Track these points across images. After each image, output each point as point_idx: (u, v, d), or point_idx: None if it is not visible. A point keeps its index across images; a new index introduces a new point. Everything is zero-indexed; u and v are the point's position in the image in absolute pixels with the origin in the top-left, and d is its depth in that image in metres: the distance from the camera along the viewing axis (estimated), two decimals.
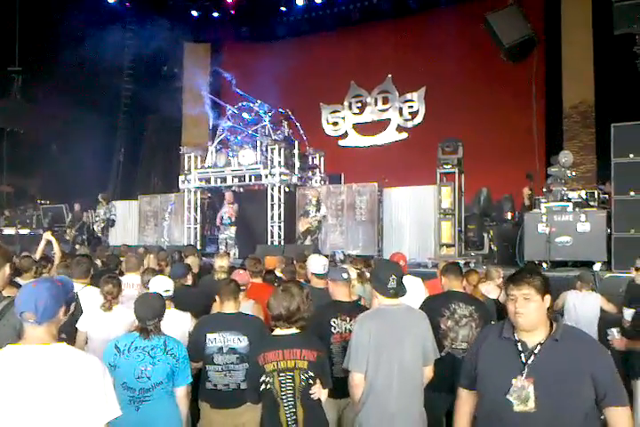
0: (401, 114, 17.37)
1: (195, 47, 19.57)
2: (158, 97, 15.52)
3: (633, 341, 3.96)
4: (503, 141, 14.38)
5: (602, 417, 2.35)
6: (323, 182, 13.17)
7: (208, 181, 12.89)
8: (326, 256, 6.10)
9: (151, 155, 18.87)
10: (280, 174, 11.97)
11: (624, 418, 2.31)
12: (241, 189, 12.89)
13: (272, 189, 12.04)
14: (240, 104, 13.08)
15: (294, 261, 6.89)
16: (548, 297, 2.39)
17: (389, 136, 17.50)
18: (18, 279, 4.53)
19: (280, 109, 13.06)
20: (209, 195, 13.51)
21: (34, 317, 2.04)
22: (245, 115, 12.98)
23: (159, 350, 3.11)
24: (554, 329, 2.37)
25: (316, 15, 17.89)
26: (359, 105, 18.09)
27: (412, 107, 17.20)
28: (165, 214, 13.49)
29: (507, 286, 2.43)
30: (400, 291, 3.15)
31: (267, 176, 12.01)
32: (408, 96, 17.22)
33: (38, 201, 14.73)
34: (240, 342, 3.52)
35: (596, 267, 8.02)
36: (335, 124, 18.50)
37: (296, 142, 12.75)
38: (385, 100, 17.64)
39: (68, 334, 3.57)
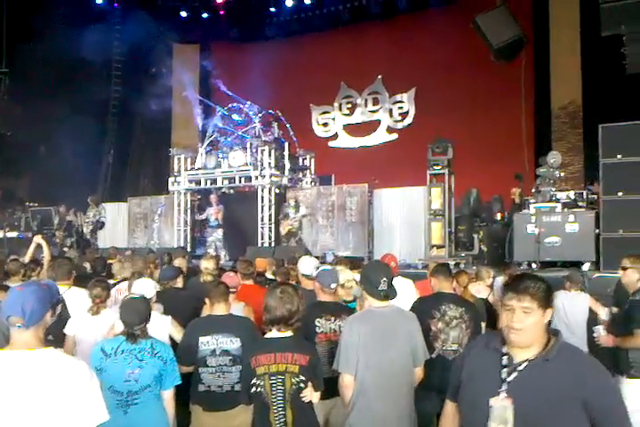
0: (391, 115, 17.40)
1: (183, 48, 19.50)
2: (147, 98, 15.45)
3: (622, 338, 3.98)
4: (492, 142, 14.45)
5: None
6: (313, 184, 13.17)
7: (198, 182, 12.85)
8: (317, 258, 6.10)
9: (140, 156, 18.78)
10: (270, 176, 11.96)
11: None
12: (231, 191, 12.86)
13: (262, 191, 12.02)
14: (230, 105, 13.06)
15: (285, 263, 6.89)
16: (549, 311, 2.08)
17: (379, 137, 17.53)
18: (6, 283, 4.50)
19: (270, 111, 13.05)
20: (199, 197, 13.46)
21: (21, 321, 2.02)
22: (235, 116, 12.96)
23: (146, 352, 3.11)
24: (549, 346, 2.06)
25: (305, 16, 17.89)
26: (349, 106, 18.11)
27: (402, 108, 17.24)
28: (155, 216, 13.43)
29: (505, 293, 2.10)
30: (390, 293, 3.16)
31: (257, 178, 11.99)
32: (398, 97, 17.26)
33: (27, 203, 14.61)
34: (233, 343, 3.53)
35: (585, 267, 8.07)
36: (325, 125, 18.50)
37: (286, 144, 12.74)
38: (375, 101, 17.67)
39: (56, 336, 3.55)
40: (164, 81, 17.65)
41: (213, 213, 12.11)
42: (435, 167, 9.93)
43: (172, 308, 4.17)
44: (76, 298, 4.18)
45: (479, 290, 5.78)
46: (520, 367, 2.05)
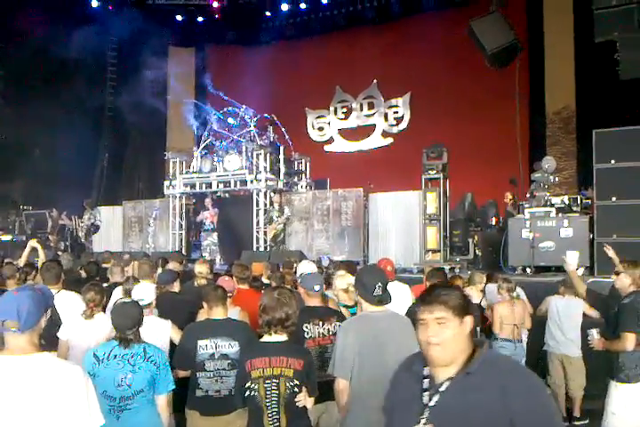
0: (386, 119, 17.45)
1: (179, 51, 19.50)
2: (142, 101, 15.44)
3: (610, 342, 4.01)
4: (487, 147, 14.51)
5: None
6: (308, 188, 13.17)
7: (193, 186, 12.84)
8: (312, 262, 6.09)
9: (135, 160, 18.74)
10: (266, 180, 11.96)
11: None
12: (226, 195, 12.85)
13: (257, 195, 12.01)
14: (225, 109, 13.06)
15: (280, 268, 6.88)
16: (468, 319, 1.87)
17: (375, 141, 17.57)
18: (2, 287, 4.48)
19: (265, 115, 13.05)
20: (194, 200, 13.45)
21: (16, 325, 2.02)
22: (231, 120, 12.96)
23: (139, 357, 3.10)
24: (474, 358, 1.84)
25: (301, 20, 17.95)
26: (345, 110, 18.14)
27: (397, 112, 17.29)
28: (150, 220, 13.40)
29: (417, 308, 1.92)
30: (385, 298, 3.16)
31: (252, 182, 11.99)
32: (393, 102, 17.31)
33: (21, 207, 14.55)
34: (232, 347, 3.52)
35: (579, 272, 8.08)
36: (321, 129, 18.53)
37: (281, 148, 12.74)
38: (370, 106, 17.72)
39: (48, 340, 3.53)
40: (159, 84, 17.68)
41: (208, 216, 12.13)
42: (430, 172, 9.96)
43: (169, 312, 4.16)
44: (65, 302, 4.17)
45: (471, 295, 5.79)
46: (442, 388, 1.83)
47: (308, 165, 13.60)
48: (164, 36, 17.91)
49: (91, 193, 16.46)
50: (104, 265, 7.02)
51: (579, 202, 9.05)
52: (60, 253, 11.55)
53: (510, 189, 10.76)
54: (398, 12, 16.77)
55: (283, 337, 3.01)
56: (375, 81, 17.34)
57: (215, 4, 17.88)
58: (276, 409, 2.89)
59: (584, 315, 5.67)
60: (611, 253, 5.24)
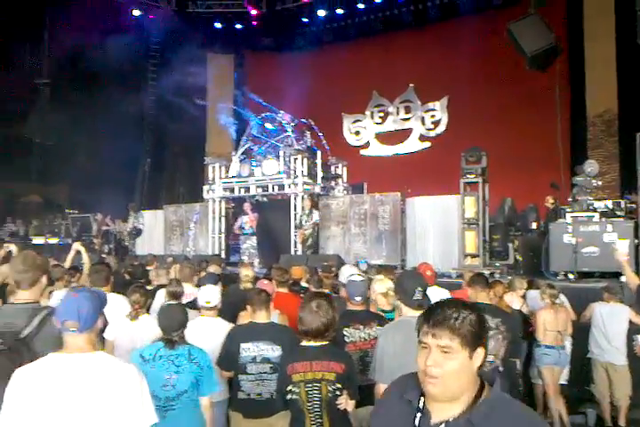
0: (423, 123, 17.36)
1: (218, 58, 19.82)
2: (182, 107, 15.75)
3: None
4: (527, 151, 14.27)
5: None
6: (345, 192, 13.20)
7: (232, 190, 13.02)
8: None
9: (175, 165, 19.12)
10: (303, 184, 12.04)
11: None
12: (264, 199, 12.98)
13: (295, 199, 12.10)
14: (263, 114, 13.21)
15: (319, 271, 6.92)
16: (480, 352, 1.56)
17: (412, 145, 17.49)
18: (51, 288, 4.63)
19: (303, 119, 13.15)
20: (233, 204, 13.64)
21: (77, 325, 2.11)
22: (269, 125, 13.11)
23: (183, 358, 3.17)
24: (480, 401, 1.55)
25: (337, 25, 18.04)
26: (381, 114, 18.13)
27: (434, 116, 17.18)
28: (191, 224, 13.64)
29: (420, 326, 1.62)
30: (425, 303, 3.14)
31: (290, 186, 12.09)
32: (430, 105, 17.21)
33: (66, 211, 15.01)
34: (274, 351, 3.54)
35: (624, 278, 7.89)
36: (357, 133, 18.55)
37: (318, 152, 12.82)
38: (407, 110, 17.66)
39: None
40: (198, 90, 17.99)
41: (248, 221, 12.25)
42: (468, 176, 9.84)
43: None
44: (113, 304, 4.27)
45: (512, 301, 5.72)
46: None
47: (344, 169, 13.64)
48: (203, 43, 18.24)
49: (133, 197, 16.86)
50: (147, 268, 7.19)
51: (622, 206, 8.82)
52: (104, 255, 11.87)
53: (551, 194, 10.57)
54: (435, 16, 16.69)
55: (323, 342, 3.04)
56: (412, 85, 17.28)
57: (253, 12, 18.12)
58: (318, 413, 2.91)
59: (630, 322, 5.54)
60: None
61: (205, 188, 13.31)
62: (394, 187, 12.10)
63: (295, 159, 12.17)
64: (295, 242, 11.91)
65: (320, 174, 12.65)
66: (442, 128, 17.01)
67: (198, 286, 5.03)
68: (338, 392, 2.93)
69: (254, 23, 18.53)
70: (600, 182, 9.24)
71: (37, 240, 14.25)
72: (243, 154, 13.09)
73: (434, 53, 16.25)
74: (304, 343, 3.08)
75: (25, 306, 2.73)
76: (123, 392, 2.07)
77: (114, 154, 14.34)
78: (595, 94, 14.11)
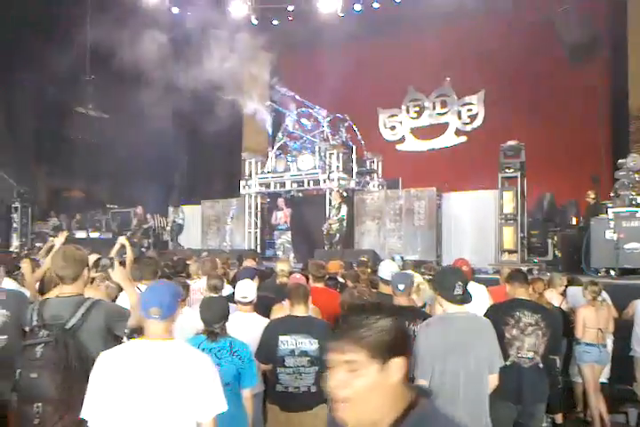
0: (460, 117, 17.16)
1: (254, 54, 19.91)
2: (218, 104, 15.91)
3: None
4: (567, 145, 13.97)
5: None
6: (380, 187, 13.18)
7: (268, 186, 13.13)
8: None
9: (212, 160, 19.34)
10: (338, 179, 12.07)
11: None
12: (299, 194, 13.05)
13: (330, 194, 12.13)
14: (299, 110, 13.26)
15: (355, 266, 6.95)
16: (398, 363, 1.32)
17: (448, 140, 17.31)
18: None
19: (338, 114, 13.16)
20: (268, 200, 13.76)
21: (160, 312, 2.24)
22: (304, 120, 13.16)
23: (225, 351, 3.23)
24: (406, 419, 1.31)
25: (373, 20, 17.92)
26: (417, 109, 17.98)
27: (471, 110, 16.96)
28: (227, 219, 13.81)
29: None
30: (466, 298, 3.15)
31: (325, 181, 12.13)
32: (467, 99, 16.99)
33: (107, 206, 15.38)
34: (311, 345, 3.58)
35: None
36: (393, 128, 18.45)
37: (354, 147, 12.82)
38: (443, 104, 17.47)
39: (139, 332, 3.75)
40: (234, 86, 18.12)
41: (282, 216, 12.35)
42: (507, 170, 9.72)
43: None
44: None
45: (551, 297, 5.65)
46: None
47: (380, 164, 13.61)
48: (239, 40, 18.33)
49: (172, 193, 17.15)
50: (187, 262, 7.33)
51: None
52: (143, 249, 12.14)
53: (592, 188, 10.35)
54: (471, 8, 16.40)
55: None
56: (448, 79, 17.08)
57: (290, 8, 18.15)
58: None
59: None
60: None
61: (242, 183, 13.46)
62: (429, 182, 12.03)
63: (330, 154, 12.21)
64: (337, 236, 11.92)
65: (355, 169, 12.66)
66: (478, 122, 16.79)
67: (233, 280, 5.11)
68: None
69: (289, 18, 18.55)
70: None
71: (80, 234, 14.64)
72: (278, 149, 13.19)
73: (471, 47, 16.01)
74: None
75: (69, 299, 2.84)
76: (198, 380, 2.18)
77: (153, 149, 14.60)
78: (637, 86, 13.70)
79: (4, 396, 2.98)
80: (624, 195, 8.51)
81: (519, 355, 3.80)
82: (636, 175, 8.68)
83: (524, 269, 8.32)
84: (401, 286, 3.76)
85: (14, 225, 14.69)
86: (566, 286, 6.10)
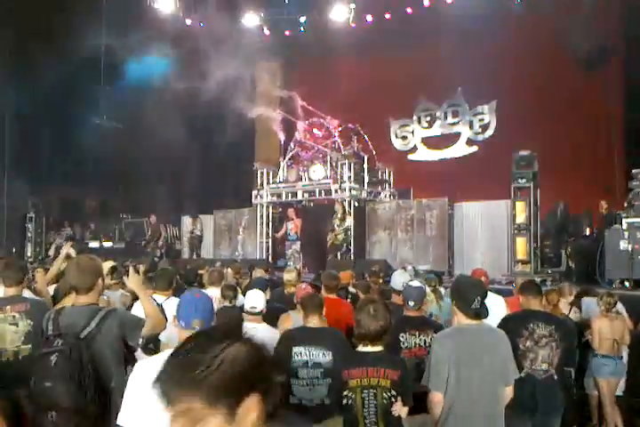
0: (471, 127, 17.13)
1: (266, 65, 20.07)
2: (230, 114, 16.01)
3: None
4: (579, 154, 13.88)
5: None
6: (392, 197, 13.17)
7: (279, 196, 13.17)
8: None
9: (224, 170, 19.42)
10: (350, 189, 12.08)
11: None
12: (311, 204, 13.08)
13: (342, 204, 12.13)
14: (310, 120, 13.32)
15: (367, 277, 6.94)
16: (252, 402, 1.05)
17: (459, 150, 17.27)
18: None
19: (349, 125, 13.19)
20: (280, 209, 13.79)
21: (201, 324, 2.32)
22: (316, 130, 13.21)
23: None
24: None
25: (384, 30, 18.00)
26: (428, 119, 17.96)
27: (482, 120, 16.93)
28: (240, 229, 13.85)
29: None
30: (482, 312, 3.11)
31: (336, 191, 12.16)
32: (479, 109, 16.97)
33: (121, 215, 15.48)
34: (325, 356, 3.54)
35: None
36: (404, 138, 18.44)
37: (365, 157, 12.84)
38: (455, 114, 17.46)
39: (152, 342, 3.75)
40: (246, 97, 18.24)
41: (292, 227, 12.37)
42: (519, 180, 9.69)
43: None
44: (173, 308, 4.37)
45: (561, 307, 5.60)
46: None
47: (391, 174, 13.61)
48: (252, 50, 18.49)
49: (187, 203, 17.23)
50: (199, 271, 7.36)
51: None
52: (156, 259, 12.19)
53: (605, 198, 10.27)
54: (482, 18, 16.43)
55: (378, 348, 3.06)
56: (460, 89, 17.08)
57: (302, 19, 18.30)
58: (374, 419, 2.93)
59: None
60: None
61: (254, 193, 13.51)
62: (441, 192, 12.01)
63: (342, 164, 12.24)
64: (344, 246, 11.93)
65: (367, 179, 12.67)
66: (490, 132, 16.74)
67: (246, 291, 5.10)
68: (393, 399, 2.95)
69: (301, 29, 18.69)
70: None
71: (93, 244, 14.75)
72: (290, 159, 13.24)
73: (482, 56, 16.01)
74: (360, 349, 3.10)
75: (84, 308, 2.85)
76: None
77: (166, 161, 14.70)
78: None
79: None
80: (638, 205, 8.44)
81: (533, 367, 3.77)
82: None
83: (538, 279, 8.28)
84: (411, 303, 3.77)
85: (29, 235, 14.85)
86: (576, 296, 6.04)
